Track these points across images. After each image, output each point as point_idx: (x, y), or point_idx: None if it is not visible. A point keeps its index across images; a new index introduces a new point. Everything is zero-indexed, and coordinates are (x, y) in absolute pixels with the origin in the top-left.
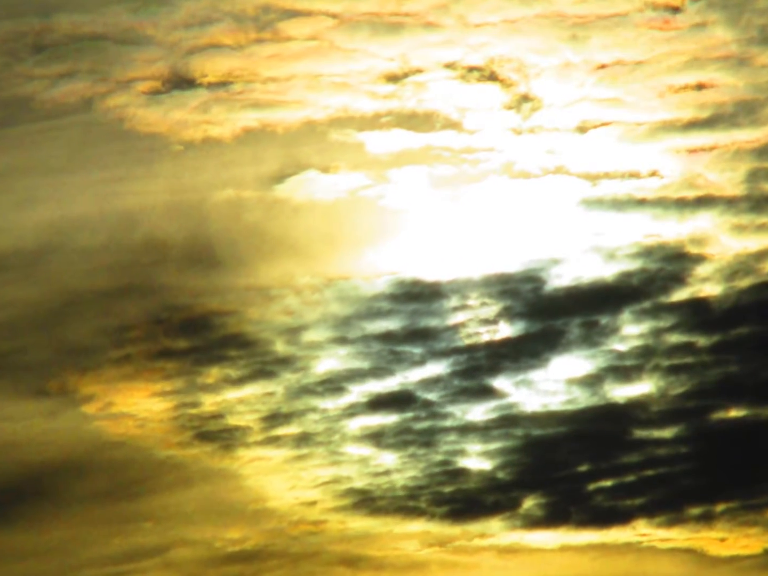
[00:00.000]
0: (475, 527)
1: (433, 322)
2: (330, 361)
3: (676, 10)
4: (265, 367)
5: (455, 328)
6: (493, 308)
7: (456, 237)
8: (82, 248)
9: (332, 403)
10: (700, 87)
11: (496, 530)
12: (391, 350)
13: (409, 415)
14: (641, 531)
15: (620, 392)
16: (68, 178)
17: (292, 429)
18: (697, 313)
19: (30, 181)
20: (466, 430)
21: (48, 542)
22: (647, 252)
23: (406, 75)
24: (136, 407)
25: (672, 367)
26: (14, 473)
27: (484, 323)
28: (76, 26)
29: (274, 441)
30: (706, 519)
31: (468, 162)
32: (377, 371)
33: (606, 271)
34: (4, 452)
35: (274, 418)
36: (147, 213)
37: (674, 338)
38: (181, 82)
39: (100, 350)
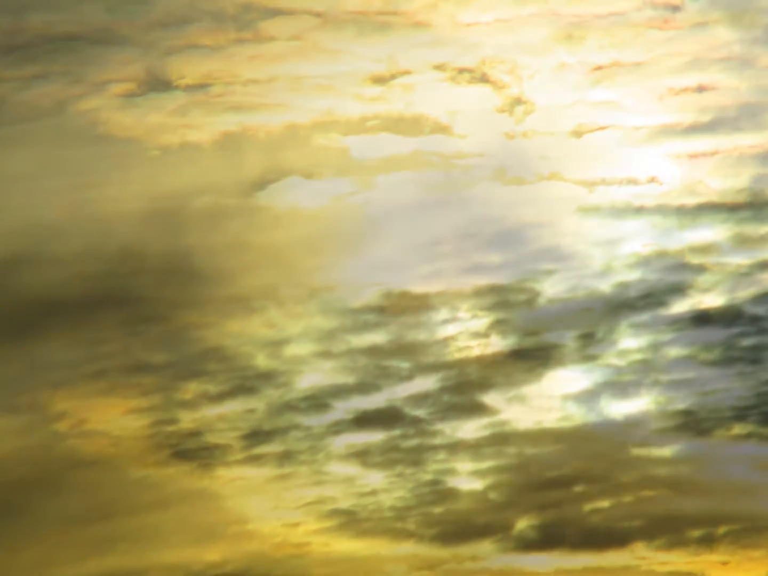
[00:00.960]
0: (465, 550)
1: (421, 336)
2: (314, 376)
3: (675, 8)
4: (246, 383)
5: (445, 342)
6: (484, 321)
7: (446, 246)
8: (54, 257)
9: (316, 420)
10: (701, 89)
11: (487, 553)
12: (377, 365)
13: (397, 432)
14: (640, 554)
15: (618, 408)
16: (40, 184)
17: (274, 447)
18: (698, 326)
19: (0, 187)
20: (457, 448)
21: (19, 564)
22: (646, 262)
23: (393, 77)
24: (111, 424)
25: (672, 383)
26: None
27: (475, 336)
28: (49, 26)
29: (256, 460)
30: (708, 542)
31: (458, 167)
32: (363, 387)
33: (603, 282)
34: None
35: (256, 436)
36: (122, 220)
37: (674, 352)
38: (157, 85)
39: (73, 364)
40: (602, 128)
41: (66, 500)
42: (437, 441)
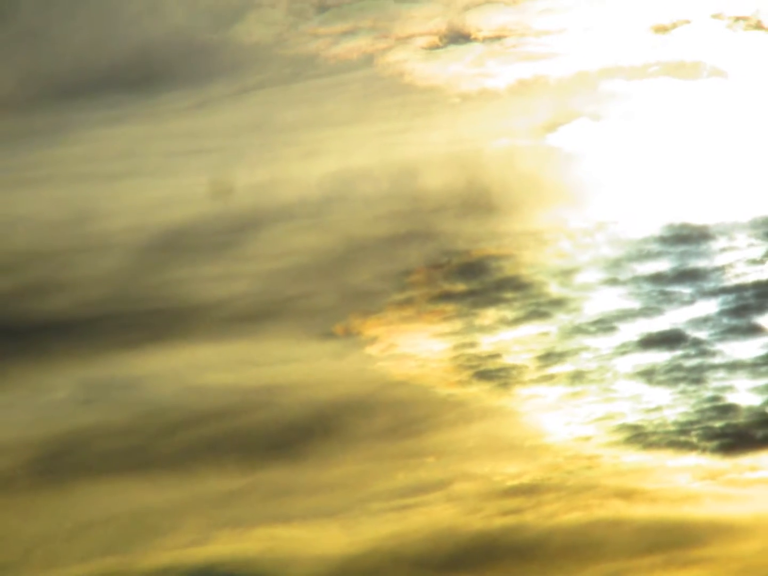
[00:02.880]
0: (745, 461)
1: (702, 263)
2: (601, 302)
3: None
4: (540, 309)
5: (723, 269)
6: (760, 249)
7: (723, 181)
8: (364, 197)
9: (604, 343)
10: None
11: (766, 464)
12: (661, 291)
13: (679, 353)
14: None
15: None
16: (351, 131)
17: (566, 367)
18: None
19: (315, 134)
20: (735, 367)
21: (336, 477)
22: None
23: (674, 26)
24: (417, 348)
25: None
26: (303, 411)
27: (751, 263)
28: None
29: (549, 379)
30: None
31: (734, 109)
32: (648, 311)
33: None
34: (294, 391)
35: (549, 357)
36: (426, 162)
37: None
38: (457, 37)
39: (383, 294)
40: None
41: (377, 418)
42: (717, 360)
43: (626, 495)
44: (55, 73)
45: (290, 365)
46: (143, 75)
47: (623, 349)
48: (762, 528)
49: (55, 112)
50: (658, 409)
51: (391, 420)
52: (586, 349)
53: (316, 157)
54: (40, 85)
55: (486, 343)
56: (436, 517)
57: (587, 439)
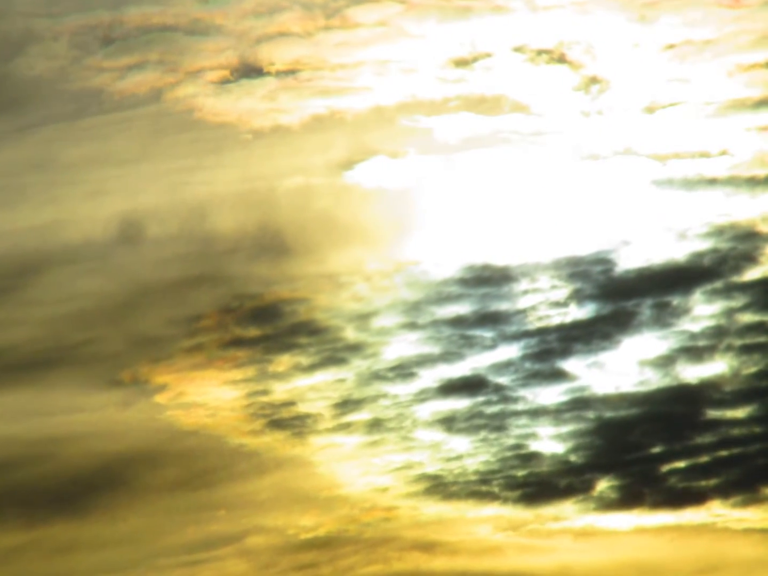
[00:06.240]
0: (548, 511)
1: (503, 306)
2: (400, 347)
3: None
4: (336, 354)
5: (526, 312)
6: (563, 291)
7: (525, 220)
8: (152, 239)
9: (403, 389)
10: None
11: (569, 513)
12: (461, 335)
13: (480, 399)
14: (716, 512)
15: (693, 373)
16: (139, 169)
17: (363, 415)
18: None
19: (101, 173)
20: (538, 413)
21: (123, 531)
22: (718, 232)
23: (474, 59)
24: (208, 396)
25: (744, 347)
26: (89, 463)
27: (554, 306)
28: (146, 18)
29: (346, 427)
30: None
31: (537, 145)
32: (448, 356)
33: (677, 252)
34: (78, 443)
35: (345, 405)
36: (217, 202)
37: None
38: (249, 71)
39: (172, 340)
40: (674, 104)
41: (167, 469)
42: (520, 407)
43: (426, 547)
44: None
45: (74, 415)
46: None
47: (422, 396)
48: None
49: None
50: (458, 457)
51: (181, 471)
52: (384, 396)
53: (101, 196)
54: None
55: (280, 391)
56: (228, 572)
57: (385, 489)
